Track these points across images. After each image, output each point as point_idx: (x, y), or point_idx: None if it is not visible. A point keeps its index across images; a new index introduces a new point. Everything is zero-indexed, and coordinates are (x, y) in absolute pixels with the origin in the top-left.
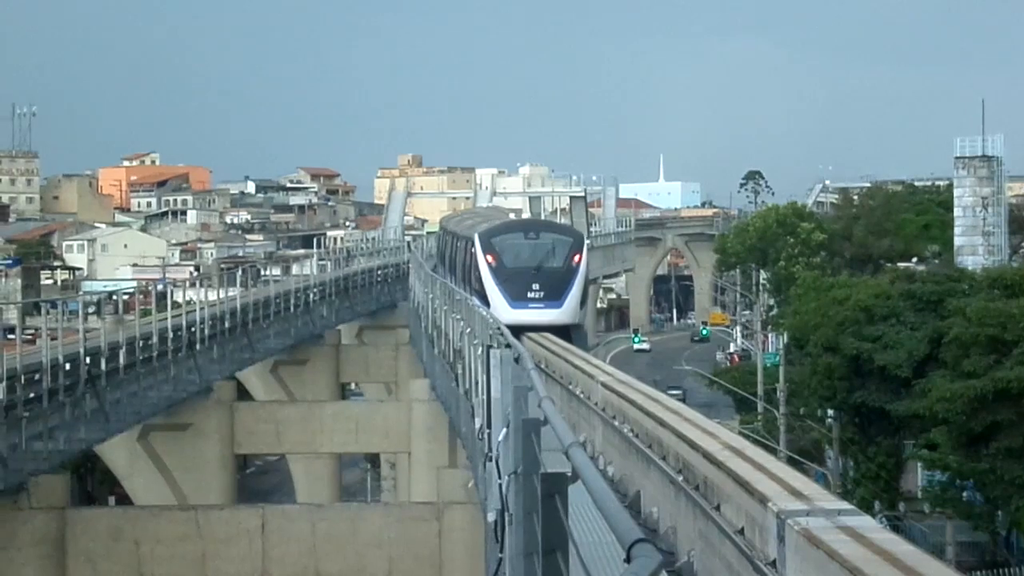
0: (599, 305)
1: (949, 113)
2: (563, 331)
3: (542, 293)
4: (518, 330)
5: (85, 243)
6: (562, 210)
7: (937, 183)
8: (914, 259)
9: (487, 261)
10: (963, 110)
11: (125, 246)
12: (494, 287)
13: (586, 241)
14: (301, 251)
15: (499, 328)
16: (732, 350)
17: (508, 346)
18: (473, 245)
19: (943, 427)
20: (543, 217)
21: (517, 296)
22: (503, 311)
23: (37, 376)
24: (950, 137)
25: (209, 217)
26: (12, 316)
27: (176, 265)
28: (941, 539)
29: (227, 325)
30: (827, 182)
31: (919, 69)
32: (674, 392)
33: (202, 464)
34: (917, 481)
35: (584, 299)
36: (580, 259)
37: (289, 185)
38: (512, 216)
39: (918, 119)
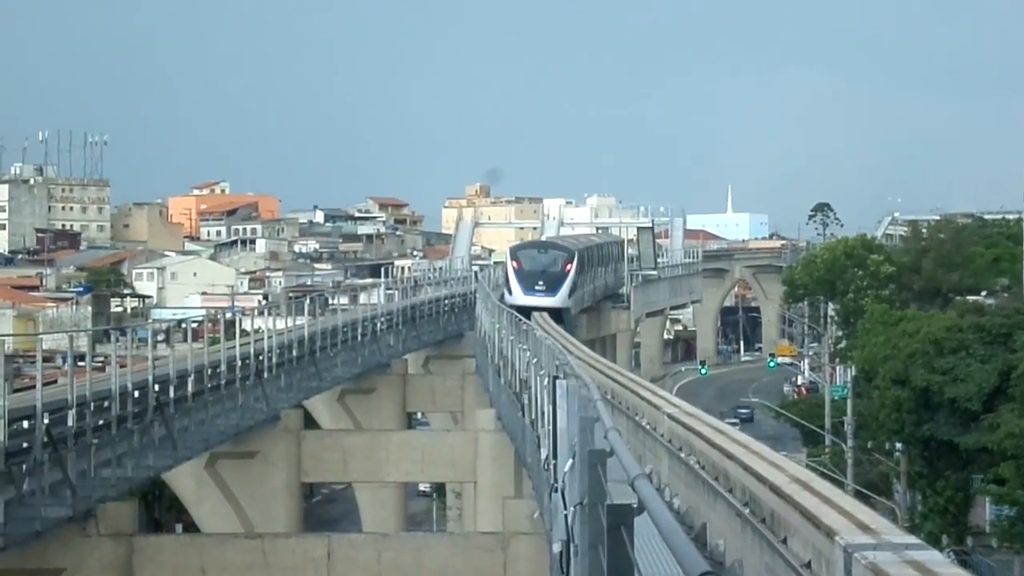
0: (665, 336)
1: (1020, 145)
2: (556, 313)
3: (544, 287)
4: (528, 309)
5: (155, 271)
6: (629, 240)
7: (1007, 216)
8: (983, 292)
9: (513, 266)
10: None
11: (194, 274)
12: (515, 281)
13: (577, 254)
14: (369, 280)
15: (567, 361)
16: (800, 382)
17: (576, 377)
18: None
19: (1011, 462)
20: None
21: (528, 288)
22: (519, 296)
23: (106, 403)
24: (1021, 170)
25: (278, 246)
26: (82, 343)
27: (245, 294)
28: (1009, 574)
29: (295, 353)
30: (896, 214)
31: (990, 101)
32: (743, 411)
33: (269, 492)
34: (985, 516)
35: (572, 292)
36: (571, 267)
37: (358, 215)
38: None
39: (989, 152)
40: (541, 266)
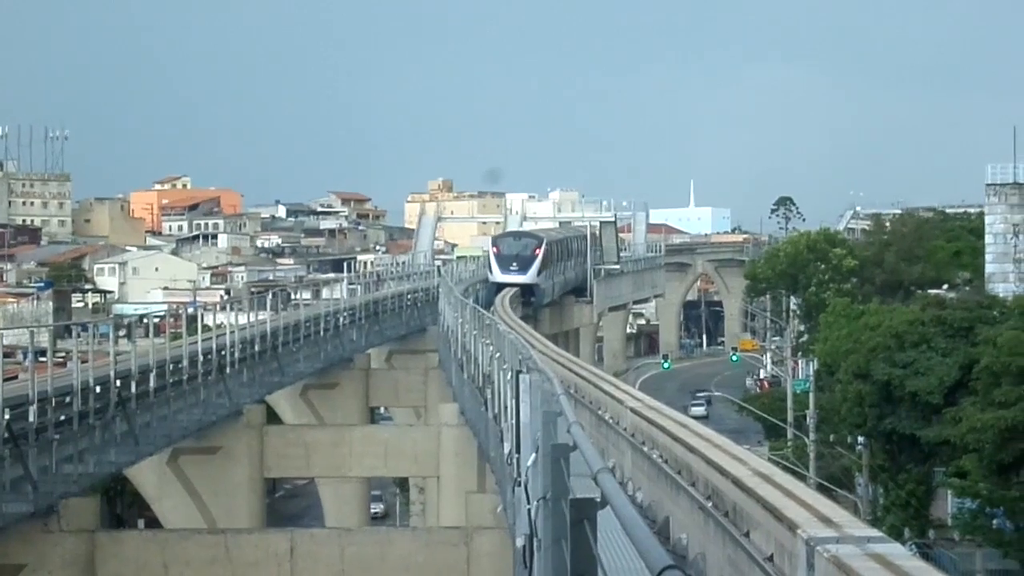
0: (628, 330)
1: (981, 140)
2: (528, 288)
3: (517, 267)
4: (503, 285)
5: (116, 266)
6: (593, 235)
7: (968, 210)
8: (945, 286)
9: (493, 251)
10: (995, 137)
11: (156, 269)
12: (495, 262)
13: (545, 241)
14: (331, 275)
15: (530, 355)
16: (762, 376)
17: (539, 371)
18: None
19: (973, 455)
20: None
21: (505, 268)
22: (498, 275)
23: (68, 399)
24: (982, 164)
25: (240, 241)
26: (43, 339)
27: (207, 289)
28: (971, 567)
29: (257, 349)
30: (858, 208)
31: (951, 96)
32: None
33: (231, 488)
34: (947, 509)
35: (540, 271)
36: (539, 251)
37: (320, 209)
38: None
39: (950, 146)
40: (515, 250)
